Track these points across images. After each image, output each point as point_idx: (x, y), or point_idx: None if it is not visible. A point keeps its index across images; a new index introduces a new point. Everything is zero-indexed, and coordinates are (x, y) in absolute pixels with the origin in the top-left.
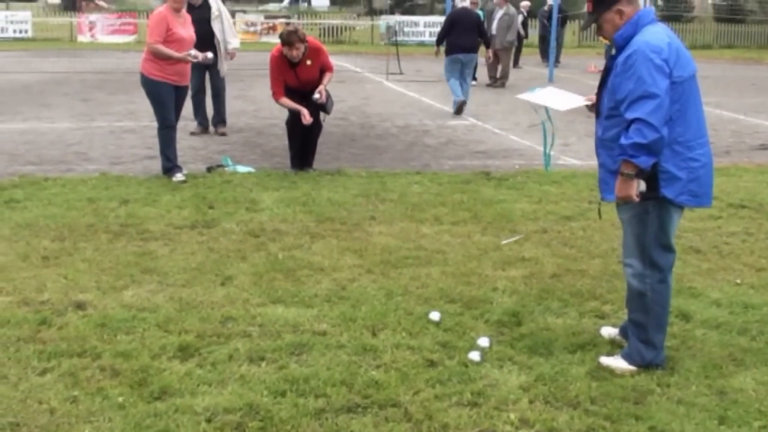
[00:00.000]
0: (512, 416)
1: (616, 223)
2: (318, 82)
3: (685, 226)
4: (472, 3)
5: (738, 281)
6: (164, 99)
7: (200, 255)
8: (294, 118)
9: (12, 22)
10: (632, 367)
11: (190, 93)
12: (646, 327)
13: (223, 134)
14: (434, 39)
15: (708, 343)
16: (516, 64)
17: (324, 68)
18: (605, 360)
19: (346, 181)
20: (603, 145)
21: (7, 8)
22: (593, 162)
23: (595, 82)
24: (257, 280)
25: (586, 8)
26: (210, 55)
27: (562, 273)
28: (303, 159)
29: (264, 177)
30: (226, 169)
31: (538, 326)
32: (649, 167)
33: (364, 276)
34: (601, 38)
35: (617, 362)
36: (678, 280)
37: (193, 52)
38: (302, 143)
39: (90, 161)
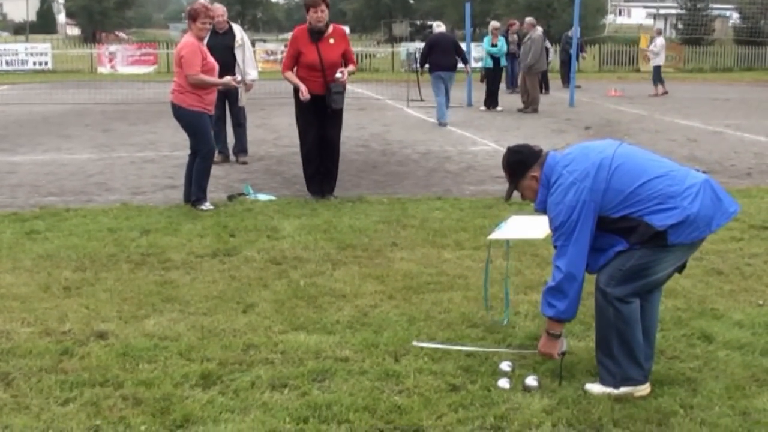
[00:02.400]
0: None
1: None
2: (338, 65)
3: (707, 248)
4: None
5: (760, 302)
6: (206, 129)
7: (222, 283)
8: (307, 139)
9: (32, 54)
10: (609, 390)
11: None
12: (609, 342)
13: (244, 163)
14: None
15: (731, 364)
16: (547, 90)
17: (347, 56)
18: (589, 387)
19: (367, 208)
20: (597, 250)
21: (27, 40)
22: None
23: (616, 106)
24: (279, 308)
25: (506, 178)
26: (239, 77)
27: (584, 296)
28: (322, 180)
29: (285, 205)
30: (247, 197)
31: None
32: (571, 315)
33: (386, 302)
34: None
35: (596, 387)
36: (700, 302)
37: (238, 77)
38: (321, 163)
39: (111, 191)
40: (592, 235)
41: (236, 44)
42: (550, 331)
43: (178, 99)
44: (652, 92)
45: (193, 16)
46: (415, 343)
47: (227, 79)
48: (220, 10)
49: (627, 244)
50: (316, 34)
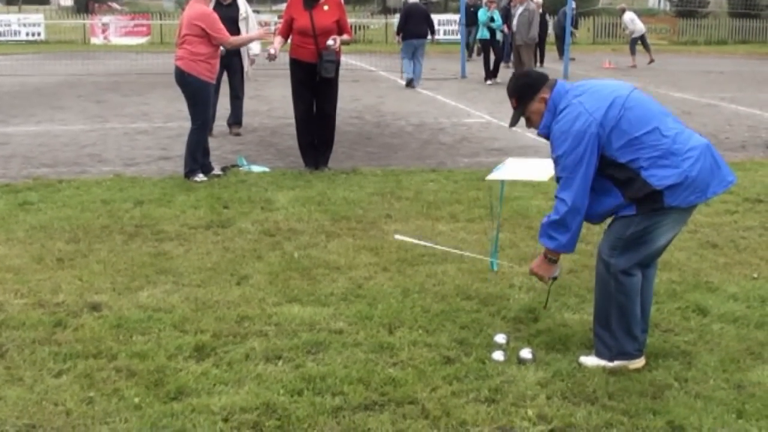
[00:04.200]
0: (530, 412)
1: None
2: (331, 32)
3: (702, 221)
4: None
5: (755, 275)
6: (209, 99)
7: (215, 255)
8: (300, 108)
9: (25, 25)
10: (604, 362)
11: None
12: (608, 314)
13: (238, 134)
14: (449, 37)
15: (725, 337)
16: (541, 63)
17: (342, 25)
18: (583, 359)
19: (362, 180)
20: (593, 198)
21: (20, 11)
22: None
23: (610, 78)
24: (273, 280)
25: (511, 105)
26: (271, 27)
27: (579, 269)
28: (318, 151)
29: (279, 176)
30: (240, 169)
31: (555, 322)
32: (571, 249)
33: (380, 274)
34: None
35: (590, 360)
36: (695, 275)
37: (270, 27)
38: (317, 135)
39: (104, 163)
40: (594, 171)
41: (240, 17)
42: (549, 255)
43: (188, 66)
44: (630, 63)
45: None
46: (397, 237)
47: (261, 31)
48: None
49: (622, 197)
50: (310, 1)
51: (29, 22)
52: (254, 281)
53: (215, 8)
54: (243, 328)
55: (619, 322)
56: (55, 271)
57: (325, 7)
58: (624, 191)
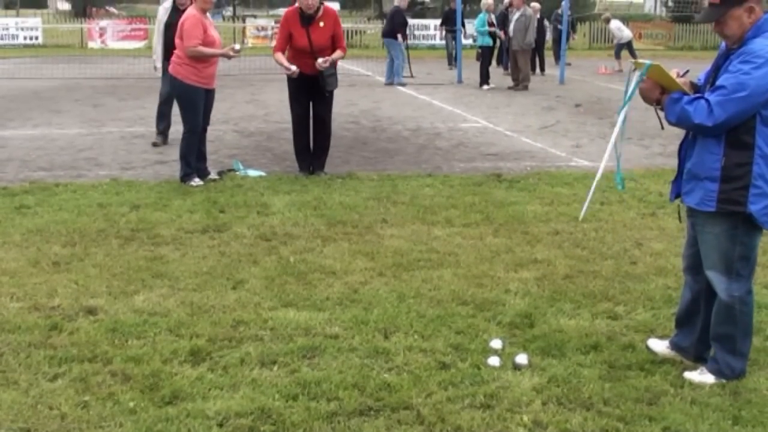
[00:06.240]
0: (525, 418)
1: (627, 224)
2: (327, 48)
3: None
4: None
5: None
6: (197, 104)
7: (211, 259)
8: (296, 113)
9: (22, 29)
10: (721, 381)
11: (158, 101)
12: (734, 337)
13: (156, 144)
14: (444, 42)
15: None
16: (542, 70)
17: (336, 40)
18: (689, 375)
19: (358, 185)
20: (698, 145)
21: (18, 15)
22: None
23: (606, 84)
24: (269, 284)
25: (708, 1)
26: (237, 46)
27: (575, 274)
28: (313, 156)
29: (275, 181)
30: (237, 173)
31: (550, 328)
32: (668, 114)
33: (375, 279)
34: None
35: (703, 377)
36: None
37: (237, 46)
38: (313, 140)
39: (101, 167)
40: (745, 115)
41: None
42: (661, 108)
43: (175, 70)
44: (616, 68)
45: None
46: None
47: (227, 49)
48: None
49: (717, 189)
50: (307, 18)
51: (27, 26)
52: (250, 286)
53: (172, 13)
54: (238, 333)
55: (744, 342)
56: (51, 274)
57: (321, 24)
58: (722, 182)
